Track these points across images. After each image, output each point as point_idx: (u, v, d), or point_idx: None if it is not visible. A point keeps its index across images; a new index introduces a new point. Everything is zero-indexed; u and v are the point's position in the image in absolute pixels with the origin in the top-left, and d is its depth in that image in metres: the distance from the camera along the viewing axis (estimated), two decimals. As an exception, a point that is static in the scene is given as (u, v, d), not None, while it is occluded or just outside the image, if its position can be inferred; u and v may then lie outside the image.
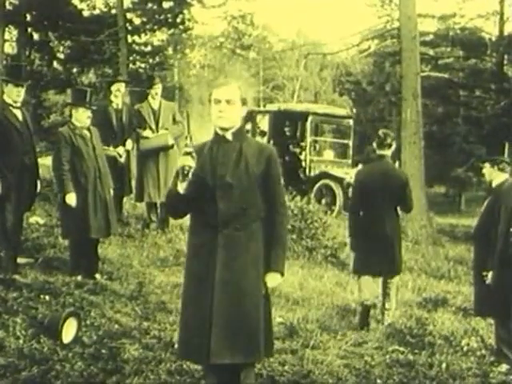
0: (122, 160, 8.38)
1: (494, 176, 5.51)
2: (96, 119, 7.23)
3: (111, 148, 8.15)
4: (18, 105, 6.35)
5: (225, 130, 3.59)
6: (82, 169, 6.44)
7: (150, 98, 8.79)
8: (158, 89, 8.77)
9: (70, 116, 6.61)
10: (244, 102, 3.62)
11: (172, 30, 24.11)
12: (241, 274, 3.56)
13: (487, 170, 5.56)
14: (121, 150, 8.36)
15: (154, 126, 8.66)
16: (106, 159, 6.86)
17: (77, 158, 6.41)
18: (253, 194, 3.57)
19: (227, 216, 3.52)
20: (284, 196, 3.81)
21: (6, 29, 23.38)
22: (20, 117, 6.34)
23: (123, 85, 8.81)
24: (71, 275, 6.37)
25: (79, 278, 6.35)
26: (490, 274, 5.28)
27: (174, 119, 8.85)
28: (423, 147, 13.69)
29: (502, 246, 5.23)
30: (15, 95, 6.28)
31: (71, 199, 6.35)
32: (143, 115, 8.68)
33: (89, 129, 6.58)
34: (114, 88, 8.52)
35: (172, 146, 8.61)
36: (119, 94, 8.55)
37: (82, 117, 6.47)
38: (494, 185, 5.51)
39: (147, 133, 8.61)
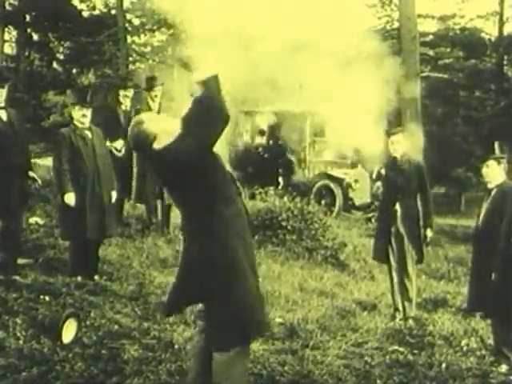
0: (120, 154, 8.30)
1: (496, 175, 5.42)
2: (103, 117, 7.21)
3: (107, 143, 8.03)
4: (2, 105, 6.29)
5: None
6: (81, 169, 6.43)
7: (149, 99, 8.64)
8: (158, 91, 8.61)
9: (71, 117, 6.64)
10: None
11: (171, 31, 24.12)
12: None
13: (492, 168, 5.43)
14: (119, 143, 8.29)
15: None
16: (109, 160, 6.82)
17: (76, 158, 6.41)
18: None
19: None
20: None
21: (6, 29, 23.42)
22: (4, 117, 6.29)
23: (131, 90, 8.75)
24: (71, 276, 6.36)
25: (79, 278, 6.34)
26: (493, 274, 5.26)
27: None
28: (423, 147, 13.68)
29: (504, 245, 5.22)
30: None
31: (70, 199, 6.33)
32: None
33: (90, 129, 6.58)
34: (121, 93, 8.52)
35: None
36: (127, 99, 8.53)
37: (77, 115, 6.47)
38: (493, 184, 5.44)
39: None
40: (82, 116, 6.46)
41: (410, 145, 6.68)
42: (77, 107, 6.49)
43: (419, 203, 6.57)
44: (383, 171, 6.79)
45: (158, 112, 8.55)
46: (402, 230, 6.44)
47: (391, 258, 6.52)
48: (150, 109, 8.57)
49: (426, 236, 6.52)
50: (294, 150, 15.81)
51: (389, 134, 6.63)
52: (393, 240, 6.49)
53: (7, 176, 6.25)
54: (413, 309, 6.54)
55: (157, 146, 3.49)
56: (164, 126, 3.53)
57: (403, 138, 6.56)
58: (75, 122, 6.51)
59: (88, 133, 6.53)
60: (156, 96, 8.59)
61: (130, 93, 8.56)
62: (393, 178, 6.55)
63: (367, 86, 5.68)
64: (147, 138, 3.51)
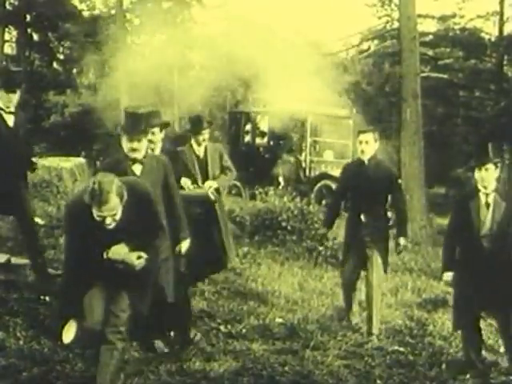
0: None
1: (493, 179, 5.07)
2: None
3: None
4: (11, 110, 6.03)
5: None
6: None
7: (194, 143, 6.63)
8: (206, 134, 6.61)
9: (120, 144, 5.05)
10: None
11: (171, 31, 24.13)
12: None
13: (491, 172, 5.04)
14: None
15: (199, 177, 6.58)
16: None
17: None
18: None
19: None
20: None
21: (6, 29, 23.44)
22: (11, 123, 6.03)
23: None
24: None
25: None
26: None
27: (221, 164, 6.78)
28: (423, 147, 13.69)
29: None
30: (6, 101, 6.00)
31: None
32: (185, 162, 6.56)
33: (142, 162, 4.84)
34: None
35: (215, 201, 6.56)
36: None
37: (126, 147, 4.80)
38: (489, 189, 5.05)
39: (185, 182, 6.44)
40: (130, 150, 4.77)
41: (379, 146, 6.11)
42: (125, 137, 4.79)
43: (391, 211, 6.19)
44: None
45: (205, 156, 6.67)
46: (367, 241, 5.95)
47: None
48: (194, 153, 6.63)
49: (398, 244, 6.02)
50: (294, 150, 15.83)
51: (358, 132, 6.11)
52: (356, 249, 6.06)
53: (6, 180, 6.09)
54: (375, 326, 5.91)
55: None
56: None
57: (373, 138, 5.98)
58: (125, 153, 4.85)
59: (138, 168, 4.84)
60: (204, 140, 6.61)
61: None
62: (357, 185, 6.06)
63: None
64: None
